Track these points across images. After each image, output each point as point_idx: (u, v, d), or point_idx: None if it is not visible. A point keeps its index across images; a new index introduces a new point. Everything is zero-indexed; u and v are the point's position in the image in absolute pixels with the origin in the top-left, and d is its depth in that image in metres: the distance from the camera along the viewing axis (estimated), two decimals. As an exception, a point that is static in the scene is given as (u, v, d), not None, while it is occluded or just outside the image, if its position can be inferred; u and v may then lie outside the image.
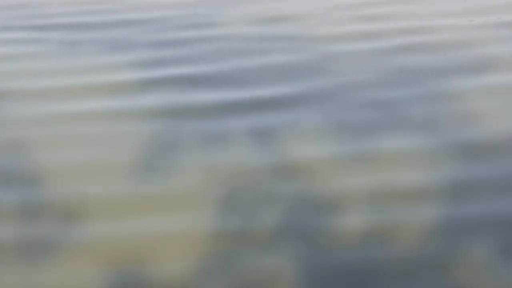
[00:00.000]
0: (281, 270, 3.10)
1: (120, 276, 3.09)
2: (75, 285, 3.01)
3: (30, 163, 4.00)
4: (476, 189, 3.63)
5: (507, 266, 3.07)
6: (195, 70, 5.16)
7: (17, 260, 3.19)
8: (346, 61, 5.28)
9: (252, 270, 3.11)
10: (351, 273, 3.07)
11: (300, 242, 3.28)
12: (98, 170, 3.90)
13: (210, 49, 5.54)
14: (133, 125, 4.39)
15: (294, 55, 5.38)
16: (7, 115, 4.56)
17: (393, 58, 5.34)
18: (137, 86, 4.93)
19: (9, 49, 5.66)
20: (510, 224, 3.34)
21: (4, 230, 3.41)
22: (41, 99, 4.79)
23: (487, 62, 5.25)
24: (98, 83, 5.01)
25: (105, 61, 5.38)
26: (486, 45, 5.56)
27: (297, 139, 4.17)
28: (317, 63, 5.24)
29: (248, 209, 3.53)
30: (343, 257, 3.17)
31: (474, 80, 4.95)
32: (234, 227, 3.40)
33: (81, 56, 5.48)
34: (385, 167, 3.85)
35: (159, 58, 5.39)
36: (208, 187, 3.73)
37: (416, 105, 4.56)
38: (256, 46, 5.59)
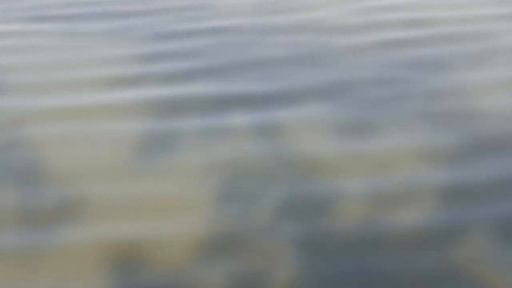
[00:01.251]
0: (281, 260, 3.10)
1: (122, 271, 3.10)
2: (74, 285, 3.02)
3: (26, 158, 4.00)
4: (478, 186, 3.62)
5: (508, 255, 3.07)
6: (196, 63, 5.15)
7: (15, 262, 3.20)
8: (350, 54, 5.26)
9: (253, 258, 3.12)
10: (351, 272, 3.08)
11: (301, 233, 3.28)
12: (96, 166, 3.89)
13: (212, 42, 5.52)
14: (131, 119, 4.38)
15: (296, 48, 5.37)
16: (5, 107, 4.55)
17: (397, 50, 5.32)
18: (137, 79, 4.92)
19: (7, 41, 5.65)
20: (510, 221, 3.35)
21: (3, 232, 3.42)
22: (40, 92, 4.78)
23: (494, 55, 5.23)
24: (97, 76, 5.01)
25: (105, 54, 5.37)
26: (493, 37, 5.54)
27: (300, 133, 4.16)
28: (320, 56, 5.23)
29: (250, 203, 3.53)
30: (343, 255, 3.17)
31: (481, 73, 4.93)
32: (235, 222, 3.40)
33: (81, 49, 5.47)
34: (388, 162, 3.84)
35: (159, 51, 5.38)
36: (211, 181, 3.73)
37: (420, 100, 4.55)
38: (259, 38, 5.57)
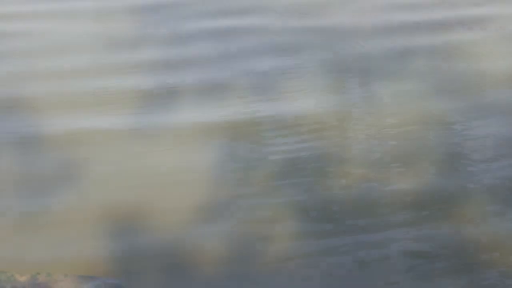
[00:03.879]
0: (279, 224, 3.13)
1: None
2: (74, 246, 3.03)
3: (27, 119, 4.01)
4: (477, 148, 3.63)
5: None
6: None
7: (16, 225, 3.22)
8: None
9: (251, 220, 3.15)
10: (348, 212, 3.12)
11: (299, 187, 3.32)
12: (97, 128, 3.93)
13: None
14: (132, 78, 4.35)
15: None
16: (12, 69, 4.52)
17: (396, 14, 5.24)
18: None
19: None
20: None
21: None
22: (42, 56, 4.79)
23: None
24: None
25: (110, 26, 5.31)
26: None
27: (300, 97, 4.04)
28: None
29: (248, 164, 3.54)
30: (341, 220, 3.20)
31: (481, 39, 4.83)
32: (236, 174, 3.44)
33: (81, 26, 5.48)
34: (387, 125, 3.85)
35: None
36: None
37: (420, 64, 4.47)
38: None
